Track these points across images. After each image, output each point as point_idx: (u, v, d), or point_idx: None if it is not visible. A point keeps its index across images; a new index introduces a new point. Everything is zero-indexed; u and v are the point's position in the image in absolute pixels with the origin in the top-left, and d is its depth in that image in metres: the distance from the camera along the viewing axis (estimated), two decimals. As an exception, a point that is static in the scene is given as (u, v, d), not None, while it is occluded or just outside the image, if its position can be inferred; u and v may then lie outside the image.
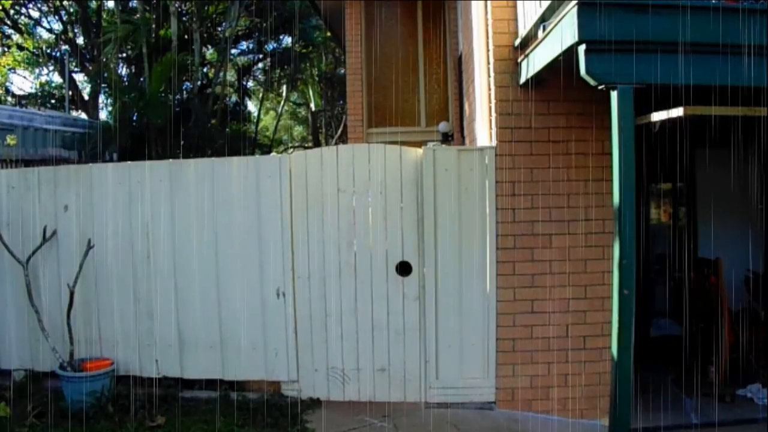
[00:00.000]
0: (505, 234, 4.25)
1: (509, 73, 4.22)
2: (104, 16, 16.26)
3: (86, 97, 16.56)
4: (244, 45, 17.63)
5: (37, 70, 18.80)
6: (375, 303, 4.41)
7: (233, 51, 15.60)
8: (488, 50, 4.38)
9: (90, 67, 15.11)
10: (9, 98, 17.95)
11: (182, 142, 11.50)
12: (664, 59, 3.12)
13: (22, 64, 17.79)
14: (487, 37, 4.40)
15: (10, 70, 17.65)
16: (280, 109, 22.33)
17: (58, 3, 16.35)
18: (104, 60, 12.04)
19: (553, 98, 4.18)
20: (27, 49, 17.36)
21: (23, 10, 17.10)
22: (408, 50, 8.42)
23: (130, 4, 14.70)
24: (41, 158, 8.18)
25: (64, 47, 16.98)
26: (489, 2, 4.31)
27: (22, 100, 18.12)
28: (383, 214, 4.42)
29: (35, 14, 17.58)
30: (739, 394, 4.70)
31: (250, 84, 19.38)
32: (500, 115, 4.23)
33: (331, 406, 4.42)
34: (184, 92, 14.15)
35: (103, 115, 15.31)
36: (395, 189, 4.40)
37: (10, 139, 7.95)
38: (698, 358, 5.35)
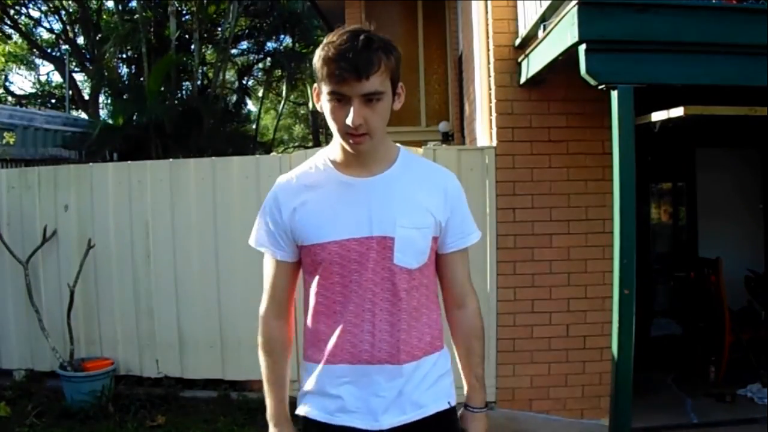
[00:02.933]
0: (505, 234, 4.24)
1: (509, 73, 4.21)
2: (104, 16, 16.27)
3: (86, 97, 16.56)
4: (244, 44, 17.63)
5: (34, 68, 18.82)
6: (375, 302, 4.40)
7: (233, 51, 15.57)
8: (488, 50, 4.38)
9: (90, 67, 15.11)
10: (9, 98, 17.97)
11: (182, 142, 11.49)
12: (665, 59, 3.11)
13: (18, 62, 17.79)
14: (487, 37, 4.39)
15: (10, 69, 17.65)
16: (280, 109, 22.31)
17: (57, 2, 16.34)
18: (104, 60, 12.03)
19: (553, 98, 4.18)
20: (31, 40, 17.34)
21: (23, 10, 17.11)
22: (408, 50, 8.40)
23: (130, 4, 14.71)
24: (41, 158, 8.16)
25: (65, 47, 16.98)
26: (489, 2, 4.31)
27: (22, 99, 18.13)
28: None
29: (35, 14, 17.63)
30: (739, 394, 4.69)
31: (250, 83, 19.37)
32: (500, 114, 4.22)
33: (332, 405, 4.42)
34: (184, 92, 14.15)
35: (103, 114, 15.31)
36: (395, 189, 4.38)
37: (9, 137, 7.93)
38: (698, 358, 5.36)
